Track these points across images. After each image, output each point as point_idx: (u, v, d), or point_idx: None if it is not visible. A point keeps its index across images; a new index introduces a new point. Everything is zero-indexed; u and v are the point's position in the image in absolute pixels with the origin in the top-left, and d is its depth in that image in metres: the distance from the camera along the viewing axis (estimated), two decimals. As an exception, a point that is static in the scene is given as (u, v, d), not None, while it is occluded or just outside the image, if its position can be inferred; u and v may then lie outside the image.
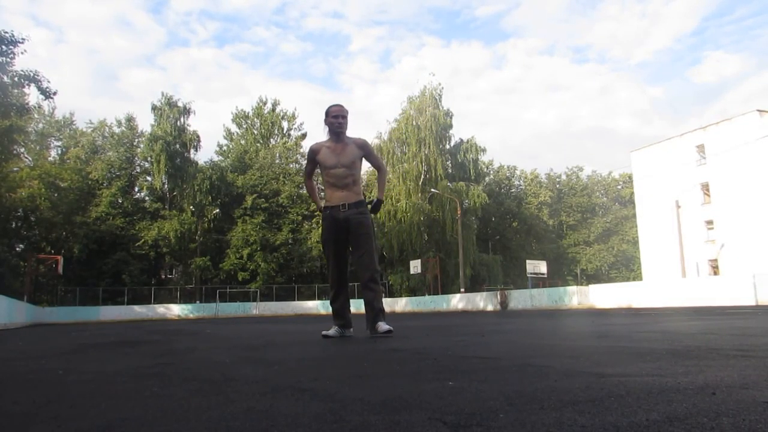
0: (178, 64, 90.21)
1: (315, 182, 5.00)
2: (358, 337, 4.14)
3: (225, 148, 50.56)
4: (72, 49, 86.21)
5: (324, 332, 4.34)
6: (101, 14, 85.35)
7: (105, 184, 40.97)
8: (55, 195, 36.59)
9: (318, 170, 4.64)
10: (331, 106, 4.40)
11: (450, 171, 40.36)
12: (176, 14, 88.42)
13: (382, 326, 4.11)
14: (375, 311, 4.21)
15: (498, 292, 27.77)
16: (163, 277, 42.30)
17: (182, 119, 40.97)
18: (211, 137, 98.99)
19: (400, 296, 37.63)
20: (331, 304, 4.46)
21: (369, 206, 4.43)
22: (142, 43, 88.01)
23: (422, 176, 38.59)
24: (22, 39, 20.45)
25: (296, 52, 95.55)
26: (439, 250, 38.06)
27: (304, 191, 45.82)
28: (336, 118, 4.33)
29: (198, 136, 41.14)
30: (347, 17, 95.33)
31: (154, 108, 40.74)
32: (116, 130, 43.75)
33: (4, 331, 12.14)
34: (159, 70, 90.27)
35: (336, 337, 4.25)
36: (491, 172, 52.41)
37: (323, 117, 4.41)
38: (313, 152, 4.45)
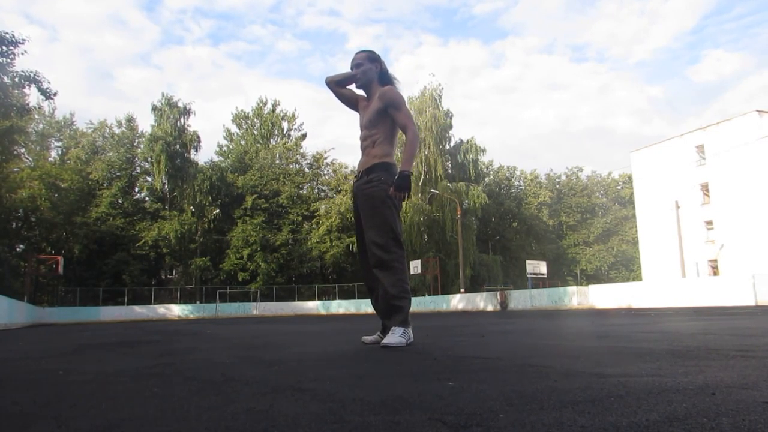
0: (174, 62, 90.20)
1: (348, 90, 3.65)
2: (357, 337, 3.81)
3: (225, 148, 50.63)
4: (66, 48, 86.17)
5: (364, 338, 3.46)
6: (95, 12, 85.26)
7: (105, 185, 41.03)
8: (56, 195, 36.65)
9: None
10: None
11: (450, 171, 40.43)
12: (170, 12, 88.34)
13: (388, 338, 3.07)
14: (382, 310, 3.23)
15: (498, 293, 27.78)
16: (163, 277, 42.33)
17: (182, 120, 41.00)
18: (206, 136, 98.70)
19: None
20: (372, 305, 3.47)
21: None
22: (136, 42, 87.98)
23: (422, 176, 38.62)
24: (23, 39, 20.47)
25: (293, 50, 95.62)
26: (439, 250, 38.07)
27: (305, 191, 45.57)
28: (357, 68, 3.46)
29: (198, 137, 41.18)
30: (344, 15, 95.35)
31: (154, 108, 40.78)
32: (116, 130, 43.88)
33: (5, 331, 12.14)
34: (154, 68, 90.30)
35: (374, 344, 3.29)
36: (491, 172, 52.50)
37: None
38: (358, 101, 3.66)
